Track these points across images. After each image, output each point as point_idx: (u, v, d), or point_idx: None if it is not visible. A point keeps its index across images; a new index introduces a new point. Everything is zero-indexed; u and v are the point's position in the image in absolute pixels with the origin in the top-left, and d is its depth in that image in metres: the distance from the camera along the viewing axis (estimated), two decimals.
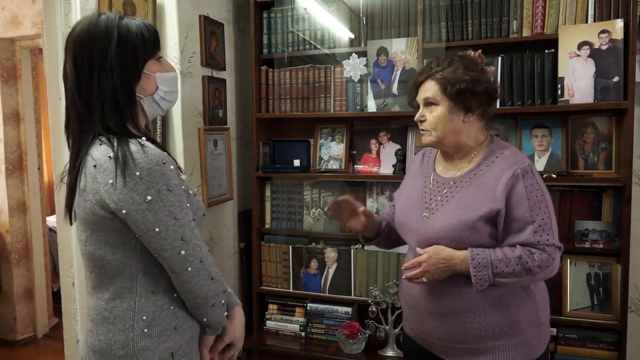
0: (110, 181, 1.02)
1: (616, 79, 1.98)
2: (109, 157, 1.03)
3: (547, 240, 1.35)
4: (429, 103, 1.44)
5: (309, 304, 2.49)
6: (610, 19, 1.99)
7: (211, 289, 1.13)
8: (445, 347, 1.45)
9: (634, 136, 2.01)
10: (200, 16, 2.26)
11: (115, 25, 1.09)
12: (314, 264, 2.49)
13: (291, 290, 2.53)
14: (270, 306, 2.56)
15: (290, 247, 2.52)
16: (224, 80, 2.47)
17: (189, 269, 1.09)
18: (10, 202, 3.48)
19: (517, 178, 1.35)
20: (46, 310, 3.72)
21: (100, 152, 1.05)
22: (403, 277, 1.42)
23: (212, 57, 2.36)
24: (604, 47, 1.99)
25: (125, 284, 1.10)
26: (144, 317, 1.09)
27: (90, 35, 1.08)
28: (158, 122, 2.06)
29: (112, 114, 1.08)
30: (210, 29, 2.33)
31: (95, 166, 1.04)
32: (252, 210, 2.56)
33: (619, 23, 1.97)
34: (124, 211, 1.03)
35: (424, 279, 1.39)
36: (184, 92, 2.16)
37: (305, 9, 2.44)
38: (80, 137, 1.09)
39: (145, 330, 1.09)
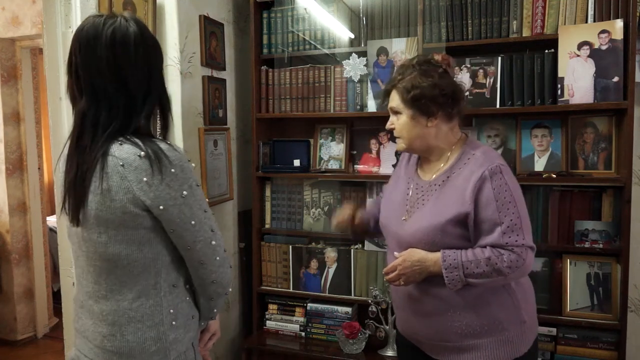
0: (145, 179, 1.04)
1: (616, 79, 1.98)
2: (139, 155, 1.04)
3: (516, 241, 1.36)
4: (394, 112, 1.50)
5: (309, 304, 2.49)
6: (610, 19, 1.99)
7: (230, 277, 1.21)
8: (430, 345, 1.51)
9: (634, 136, 2.01)
10: (200, 16, 2.26)
11: (146, 29, 1.13)
12: (314, 264, 2.49)
13: (291, 290, 2.53)
14: (270, 306, 2.56)
15: (290, 247, 2.52)
16: (224, 80, 2.47)
17: (217, 258, 1.16)
18: (11, 202, 3.48)
19: (485, 180, 1.37)
20: (46, 310, 3.72)
21: (125, 152, 1.05)
22: (384, 280, 1.47)
23: (212, 57, 2.36)
24: (603, 47, 1.99)
25: (150, 281, 1.12)
26: (171, 311, 1.13)
27: (149, 35, 1.12)
28: (158, 122, 2.06)
29: (148, 114, 1.12)
30: (210, 29, 2.33)
31: (123, 165, 1.04)
32: (252, 210, 2.56)
33: (619, 23, 1.97)
34: (161, 207, 1.05)
35: (402, 282, 1.44)
36: (184, 92, 2.16)
37: (305, 9, 2.45)
38: (100, 137, 1.06)
39: (174, 322, 1.13)
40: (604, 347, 2.05)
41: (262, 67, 2.50)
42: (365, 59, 2.32)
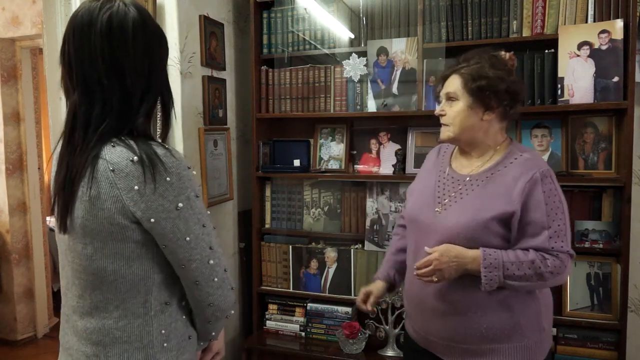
0: (136, 187, 0.92)
1: (616, 79, 1.98)
2: (131, 160, 0.92)
3: (562, 247, 1.34)
4: (450, 98, 1.44)
5: (309, 304, 2.49)
6: (610, 19, 1.99)
7: (231, 300, 1.08)
8: (445, 346, 1.45)
9: (634, 136, 2.01)
10: (200, 16, 2.26)
11: (147, 17, 1.00)
12: (314, 264, 2.49)
13: (291, 290, 2.53)
14: (270, 306, 2.56)
15: (290, 247, 2.52)
16: (224, 80, 2.47)
17: (216, 279, 1.03)
18: (11, 202, 3.48)
19: (536, 182, 1.34)
20: (46, 310, 3.73)
21: (117, 155, 0.93)
22: (414, 273, 1.40)
23: (212, 57, 2.36)
24: (603, 47, 1.99)
25: (139, 299, 1.00)
26: (163, 331, 1.02)
27: (152, 23, 0.99)
28: (158, 122, 2.06)
29: (147, 112, 1.00)
30: (210, 29, 2.33)
31: (113, 170, 0.93)
32: (252, 210, 2.56)
33: (619, 23, 1.97)
34: (152, 220, 0.94)
35: (435, 278, 1.37)
36: (184, 92, 2.16)
37: (305, 9, 2.45)
38: (91, 136, 0.96)
39: (165, 344, 1.02)
40: (604, 347, 2.05)
41: (262, 67, 2.50)
42: (365, 59, 2.32)
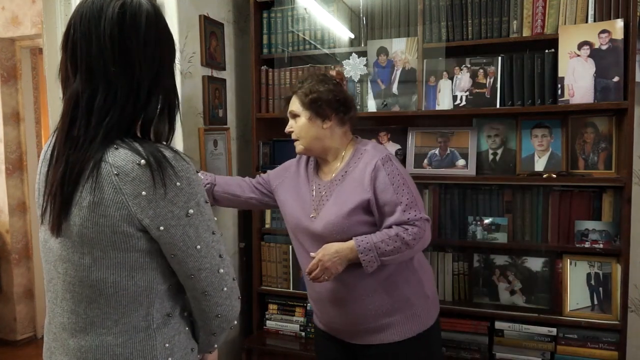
0: (144, 193, 0.87)
1: (616, 79, 1.98)
2: (138, 164, 0.86)
3: (415, 215, 1.55)
4: (293, 115, 1.66)
5: (309, 304, 2.49)
6: (610, 19, 1.99)
7: (237, 311, 1.04)
8: (348, 331, 1.66)
9: (634, 136, 2.01)
10: (200, 16, 2.26)
11: (160, 14, 0.97)
12: None
13: (291, 290, 2.52)
14: (270, 306, 2.56)
15: (291, 247, 2.51)
16: (224, 80, 2.47)
17: (225, 288, 0.99)
18: (10, 202, 3.48)
19: (379, 168, 1.56)
20: (46, 310, 3.72)
21: (121, 159, 0.87)
22: (308, 278, 1.59)
23: (212, 57, 2.36)
24: (604, 47, 1.99)
25: (140, 312, 0.94)
26: (167, 345, 0.96)
27: (163, 18, 0.97)
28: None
29: (153, 109, 0.95)
30: (210, 28, 2.33)
31: (117, 175, 0.86)
32: (252, 210, 2.56)
33: (619, 23, 1.97)
34: (161, 227, 0.89)
35: (326, 277, 1.54)
36: (184, 92, 2.16)
37: (305, 9, 2.44)
38: (94, 128, 0.89)
39: (170, 359, 0.96)
40: (604, 347, 2.05)
41: (262, 67, 2.50)
42: (365, 59, 2.32)
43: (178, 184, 0.89)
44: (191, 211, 0.91)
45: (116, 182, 0.87)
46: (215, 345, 1.09)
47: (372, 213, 1.57)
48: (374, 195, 1.55)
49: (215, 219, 1.02)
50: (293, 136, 1.68)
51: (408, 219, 1.54)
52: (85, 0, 0.92)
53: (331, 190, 1.64)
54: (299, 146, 1.67)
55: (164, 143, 0.97)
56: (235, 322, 1.07)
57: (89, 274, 0.91)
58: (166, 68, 0.98)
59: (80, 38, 0.90)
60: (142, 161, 0.87)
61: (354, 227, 1.55)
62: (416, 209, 1.56)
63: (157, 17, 0.95)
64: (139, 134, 0.96)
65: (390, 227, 1.55)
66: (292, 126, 1.68)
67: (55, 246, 0.94)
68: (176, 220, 0.90)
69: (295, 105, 1.66)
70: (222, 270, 0.98)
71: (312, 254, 1.57)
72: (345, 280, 1.59)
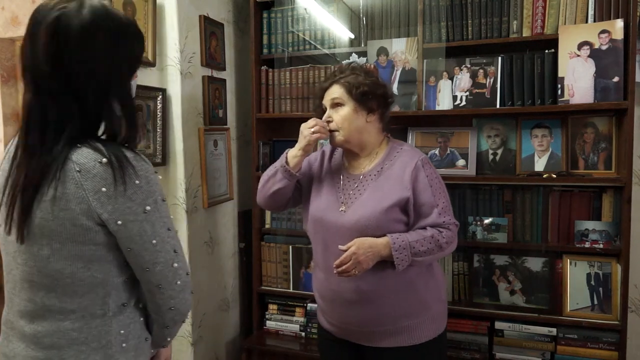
0: (104, 189, 0.91)
1: (616, 79, 1.98)
2: (100, 162, 0.91)
3: (450, 219, 1.57)
4: (335, 104, 1.59)
5: (309, 304, 2.48)
6: (610, 19, 1.99)
7: (190, 305, 1.09)
8: (363, 332, 1.60)
9: (634, 136, 2.01)
10: (200, 16, 2.26)
11: (122, 20, 0.97)
12: (313, 263, 2.48)
13: (291, 290, 2.52)
14: (271, 306, 2.56)
15: (291, 247, 2.51)
16: (224, 81, 2.47)
17: (179, 282, 1.03)
18: None
19: (419, 168, 1.55)
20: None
21: (84, 156, 0.92)
22: (335, 272, 1.51)
23: (212, 57, 2.36)
24: (604, 47, 1.99)
25: (96, 301, 0.99)
26: (122, 332, 1.01)
27: (107, 26, 0.94)
28: (158, 122, 2.06)
29: (114, 117, 0.97)
30: (210, 29, 2.33)
31: (79, 171, 0.91)
32: (252, 210, 2.56)
33: (619, 23, 1.97)
34: (119, 222, 0.94)
35: (356, 272, 1.49)
36: (184, 92, 2.16)
37: (305, 9, 2.44)
38: (51, 138, 0.93)
39: (124, 344, 1.02)
40: (604, 348, 2.05)
41: (262, 67, 2.50)
42: (365, 59, 2.32)
43: (137, 182, 0.94)
44: (148, 208, 0.96)
45: (78, 178, 0.91)
46: (169, 339, 1.12)
47: (407, 212, 1.55)
48: (413, 194, 1.53)
49: (172, 217, 1.07)
50: (332, 126, 1.59)
51: (443, 221, 1.54)
52: (35, 10, 0.93)
53: (365, 185, 1.59)
54: (337, 137, 1.59)
55: (126, 145, 0.99)
56: (186, 317, 1.12)
57: (47, 264, 0.95)
58: (117, 76, 0.98)
59: (24, 51, 0.93)
60: (104, 159, 0.92)
61: (389, 224, 1.52)
62: (450, 213, 1.57)
63: (96, 26, 0.92)
64: (106, 135, 0.99)
65: (424, 228, 1.54)
66: (332, 116, 1.59)
67: (13, 239, 0.97)
68: (134, 215, 0.95)
69: (339, 93, 1.58)
70: (176, 265, 1.02)
71: (341, 247, 1.51)
72: (368, 280, 1.54)
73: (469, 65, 2.19)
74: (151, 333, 1.10)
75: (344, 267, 1.49)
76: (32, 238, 0.95)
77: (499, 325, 2.18)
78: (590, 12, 2.03)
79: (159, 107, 2.05)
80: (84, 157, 0.92)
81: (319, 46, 2.43)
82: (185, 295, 1.06)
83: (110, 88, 0.97)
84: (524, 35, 2.11)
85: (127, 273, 1.03)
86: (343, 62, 1.99)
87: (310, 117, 2.44)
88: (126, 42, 0.98)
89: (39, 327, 0.98)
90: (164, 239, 1.00)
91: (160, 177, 1.03)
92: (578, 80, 2.02)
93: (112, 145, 0.95)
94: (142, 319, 1.07)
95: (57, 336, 0.97)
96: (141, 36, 1.04)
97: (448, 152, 2.27)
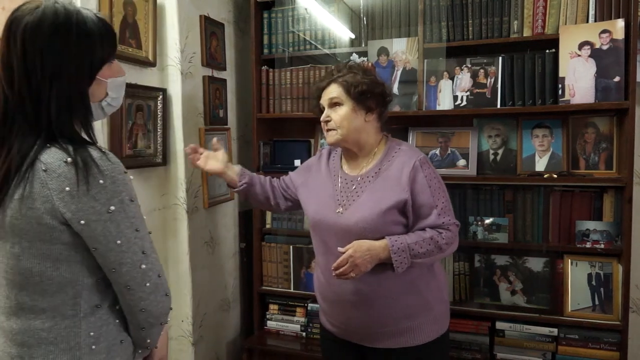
0: (67, 188, 0.92)
1: (617, 78, 1.98)
2: (65, 162, 0.93)
3: (449, 220, 1.54)
4: (334, 104, 1.58)
5: (309, 304, 2.49)
6: (611, 19, 1.99)
7: (165, 307, 1.08)
8: (365, 334, 1.60)
9: (635, 136, 2.01)
10: (200, 16, 2.26)
11: (74, 20, 0.97)
12: (314, 264, 2.49)
13: (292, 290, 2.53)
14: (271, 306, 2.56)
15: (291, 247, 2.51)
16: (224, 81, 2.47)
17: (148, 284, 1.03)
18: None
19: (417, 169, 1.53)
20: None
21: (51, 156, 0.94)
22: (333, 274, 1.50)
23: (212, 57, 2.36)
24: (604, 47, 1.99)
25: (67, 301, 0.99)
26: (91, 334, 1.01)
27: (48, 28, 0.95)
28: (159, 122, 2.06)
29: (64, 119, 0.97)
30: (210, 29, 2.33)
31: (45, 171, 0.93)
32: (252, 211, 2.56)
33: (620, 23, 1.97)
34: (82, 222, 0.94)
35: (353, 274, 1.48)
36: (185, 92, 2.15)
37: (305, 9, 2.44)
38: (23, 137, 0.96)
39: (93, 347, 1.01)
40: (605, 348, 2.05)
41: (263, 67, 2.50)
42: (365, 59, 2.32)
43: (101, 181, 0.95)
44: (112, 208, 0.97)
45: (43, 178, 0.93)
46: (149, 340, 1.11)
47: (406, 214, 1.53)
48: (411, 195, 1.51)
49: (145, 217, 1.06)
50: (330, 125, 1.59)
51: (443, 222, 1.52)
52: (20, 19, 0.96)
53: (362, 186, 1.58)
54: (334, 136, 1.58)
55: (98, 145, 1.00)
56: (168, 320, 1.10)
57: (17, 262, 0.98)
58: (64, 78, 0.97)
59: (18, 69, 0.96)
60: (69, 159, 0.93)
61: (387, 227, 1.51)
62: (450, 213, 1.55)
63: (39, 28, 0.95)
64: (61, 135, 0.99)
65: (423, 229, 1.52)
66: (331, 115, 1.58)
67: None
68: (97, 215, 0.95)
69: (337, 93, 1.57)
70: (144, 266, 1.02)
71: (340, 249, 1.50)
72: (369, 281, 1.53)
73: (469, 65, 2.19)
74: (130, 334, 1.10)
75: (341, 269, 1.48)
76: (5, 236, 0.98)
77: (500, 325, 2.18)
78: (591, 12, 2.03)
79: (159, 107, 2.05)
80: (51, 157, 0.94)
81: (319, 46, 2.43)
82: (157, 297, 1.05)
83: (59, 89, 0.97)
84: (524, 35, 2.11)
85: (99, 274, 1.02)
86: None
87: (311, 117, 2.46)
88: (80, 40, 0.98)
89: (13, 324, 1.00)
90: (130, 240, 1.00)
91: (132, 177, 1.03)
92: (579, 80, 2.02)
93: (81, 145, 0.97)
94: (117, 321, 1.07)
95: (27, 335, 0.99)
96: (109, 36, 1.03)
97: (449, 152, 2.27)
